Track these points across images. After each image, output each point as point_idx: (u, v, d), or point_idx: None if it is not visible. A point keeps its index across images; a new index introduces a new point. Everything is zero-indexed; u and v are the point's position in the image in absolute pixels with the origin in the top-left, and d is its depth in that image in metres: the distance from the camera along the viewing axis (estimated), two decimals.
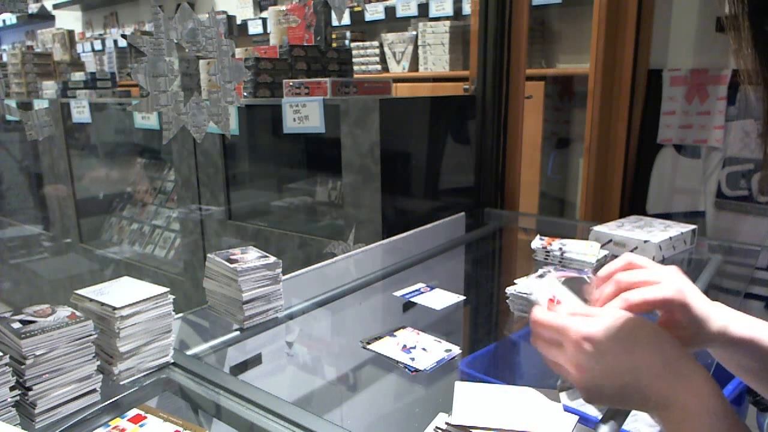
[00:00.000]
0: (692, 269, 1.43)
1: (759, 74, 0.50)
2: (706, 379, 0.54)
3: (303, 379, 1.21)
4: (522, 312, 1.20)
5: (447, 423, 0.69)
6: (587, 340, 0.59)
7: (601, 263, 1.41)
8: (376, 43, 3.50)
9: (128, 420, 0.78)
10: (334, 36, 3.50)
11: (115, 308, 0.84)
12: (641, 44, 1.98)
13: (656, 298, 0.64)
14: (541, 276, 0.75)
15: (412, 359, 0.99)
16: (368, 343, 1.05)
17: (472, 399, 0.73)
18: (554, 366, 0.66)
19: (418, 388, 0.97)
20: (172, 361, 0.92)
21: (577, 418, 0.75)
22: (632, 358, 0.57)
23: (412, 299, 1.26)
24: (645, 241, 1.41)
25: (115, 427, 0.77)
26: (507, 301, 1.21)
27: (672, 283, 0.65)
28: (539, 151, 2.59)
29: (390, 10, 3.45)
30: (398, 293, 1.29)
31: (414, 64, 3.35)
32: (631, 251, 1.44)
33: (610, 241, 1.48)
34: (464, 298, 1.28)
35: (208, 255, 1.08)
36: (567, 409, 0.94)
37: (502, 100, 1.98)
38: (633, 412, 0.71)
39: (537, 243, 1.49)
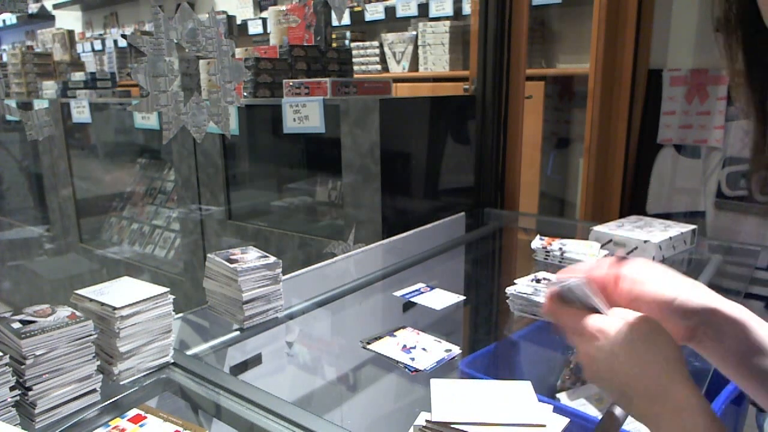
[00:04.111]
0: (692, 269, 1.43)
1: (746, 76, 0.50)
2: (699, 396, 0.54)
3: (303, 379, 1.21)
4: (522, 312, 1.20)
5: (427, 421, 0.70)
6: (600, 332, 0.58)
7: None
8: (376, 43, 3.50)
9: (128, 420, 0.78)
10: (334, 36, 3.50)
11: (115, 308, 0.84)
12: (641, 44, 1.98)
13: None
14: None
15: (412, 359, 0.99)
16: (368, 343, 1.05)
17: (450, 395, 0.74)
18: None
19: (418, 388, 0.97)
20: (172, 361, 0.92)
21: (551, 407, 0.77)
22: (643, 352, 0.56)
23: (412, 299, 1.26)
24: (645, 241, 1.41)
25: (115, 427, 0.77)
26: (507, 301, 1.21)
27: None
28: (539, 151, 2.59)
29: (390, 10, 3.45)
30: (398, 293, 1.29)
31: (414, 64, 3.35)
32: (631, 251, 1.44)
33: (610, 241, 1.48)
34: (464, 298, 1.28)
35: (208, 255, 1.08)
36: (567, 409, 0.94)
37: (502, 100, 1.98)
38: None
39: (537, 243, 1.49)
